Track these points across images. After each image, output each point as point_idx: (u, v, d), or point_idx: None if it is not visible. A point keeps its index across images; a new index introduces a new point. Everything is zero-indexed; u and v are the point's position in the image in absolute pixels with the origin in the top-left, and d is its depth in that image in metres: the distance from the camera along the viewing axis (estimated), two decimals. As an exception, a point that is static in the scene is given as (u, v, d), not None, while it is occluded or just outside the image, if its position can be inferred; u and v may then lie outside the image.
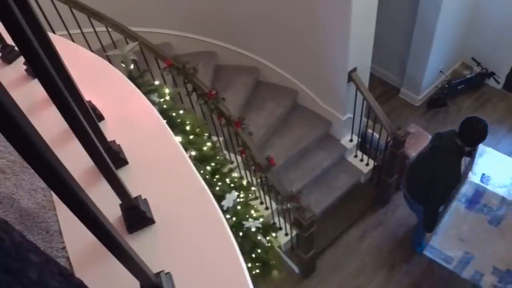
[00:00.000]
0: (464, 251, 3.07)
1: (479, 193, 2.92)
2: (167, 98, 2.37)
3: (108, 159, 0.93)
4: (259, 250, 2.42)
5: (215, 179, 2.36)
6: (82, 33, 3.17)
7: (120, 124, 1.37)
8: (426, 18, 4.13)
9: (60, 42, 1.52)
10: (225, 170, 2.50)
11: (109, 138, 1.20)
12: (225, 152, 3.60)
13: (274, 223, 3.68)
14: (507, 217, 2.87)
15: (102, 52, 2.91)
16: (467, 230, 2.99)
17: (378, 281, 3.70)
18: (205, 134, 2.59)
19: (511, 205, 2.84)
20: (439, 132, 3.21)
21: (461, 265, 3.10)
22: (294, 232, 3.57)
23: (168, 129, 1.36)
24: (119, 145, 1.25)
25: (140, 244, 1.05)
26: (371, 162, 4.19)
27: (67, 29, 3.12)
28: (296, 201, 3.01)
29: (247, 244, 2.33)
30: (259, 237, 2.42)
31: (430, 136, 3.81)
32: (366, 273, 3.75)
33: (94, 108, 1.33)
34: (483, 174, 2.98)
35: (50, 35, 0.88)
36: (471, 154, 3.12)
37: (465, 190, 2.96)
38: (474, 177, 2.95)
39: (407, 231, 3.93)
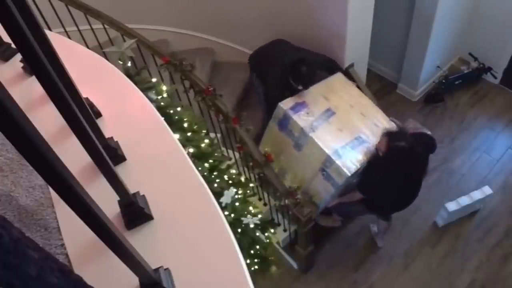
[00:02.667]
0: (279, 166, 3.42)
1: (286, 118, 3.23)
2: (165, 95, 2.37)
3: (106, 155, 0.94)
4: (257, 246, 2.43)
5: (213, 176, 2.36)
6: (79, 30, 3.16)
7: (118, 121, 1.37)
8: (423, 13, 4.13)
9: (56, 40, 1.52)
10: (223, 166, 2.50)
11: (107, 135, 1.20)
12: (223, 148, 3.61)
13: (273, 219, 3.68)
14: (305, 147, 3.19)
15: (99, 49, 2.90)
16: (280, 149, 3.25)
17: (376, 276, 3.71)
18: (203, 131, 2.59)
19: (307, 136, 3.14)
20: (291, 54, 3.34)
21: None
22: (293, 228, 3.58)
23: (166, 125, 1.37)
24: (117, 141, 1.25)
25: (139, 240, 1.06)
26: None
27: (63, 27, 3.11)
28: (293, 197, 3.02)
29: (246, 240, 2.34)
30: (257, 233, 2.43)
31: (428, 132, 3.82)
32: (365, 268, 3.76)
33: (92, 105, 1.33)
34: (297, 102, 3.27)
35: (47, 32, 0.88)
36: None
37: (276, 113, 3.29)
38: (285, 102, 3.25)
39: (405, 226, 3.95)
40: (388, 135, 2.96)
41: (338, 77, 3.50)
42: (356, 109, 3.34)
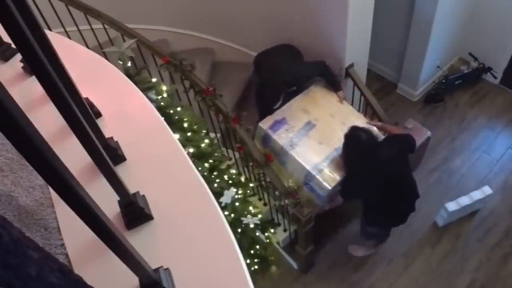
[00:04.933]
0: None
1: (267, 137, 3.36)
2: (165, 95, 2.36)
3: (106, 155, 0.94)
4: (257, 246, 2.43)
5: (213, 176, 2.36)
6: (79, 30, 3.16)
7: (118, 121, 1.37)
8: (423, 13, 4.13)
9: (57, 40, 1.52)
10: (223, 166, 2.50)
11: (107, 135, 1.20)
12: (223, 148, 3.61)
13: (273, 219, 3.68)
14: (287, 163, 3.31)
15: (99, 49, 2.90)
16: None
17: (376, 277, 3.71)
18: (203, 131, 2.59)
19: (288, 154, 3.26)
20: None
21: None
22: (293, 228, 3.57)
23: (166, 125, 1.37)
24: (117, 141, 1.25)
25: (139, 240, 1.06)
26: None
27: (63, 27, 3.11)
28: (293, 197, 3.02)
29: (246, 240, 2.33)
30: (257, 233, 2.43)
31: (428, 132, 3.82)
32: (365, 268, 3.76)
33: (92, 105, 1.33)
34: (276, 120, 3.38)
35: (47, 32, 0.88)
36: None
37: (258, 132, 3.41)
38: (264, 122, 3.38)
39: (405, 226, 3.94)
40: (355, 126, 3.04)
41: (318, 87, 3.57)
42: (337, 118, 3.43)
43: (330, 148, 3.27)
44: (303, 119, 3.38)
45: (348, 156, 3.03)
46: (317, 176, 3.14)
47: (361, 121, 3.45)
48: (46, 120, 1.18)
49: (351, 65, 3.66)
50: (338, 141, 3.26)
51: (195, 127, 2.46)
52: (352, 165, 3.03)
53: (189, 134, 2.40)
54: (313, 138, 3.31)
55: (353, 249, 3.81)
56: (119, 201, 1.09)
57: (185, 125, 2.41)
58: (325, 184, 3.13)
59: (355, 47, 3.55)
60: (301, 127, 3.35)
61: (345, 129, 3.24)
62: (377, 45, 4.12)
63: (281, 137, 3.29)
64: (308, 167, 3.17)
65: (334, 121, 3.41)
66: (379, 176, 2.90)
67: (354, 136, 2.95)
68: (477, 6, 4.53)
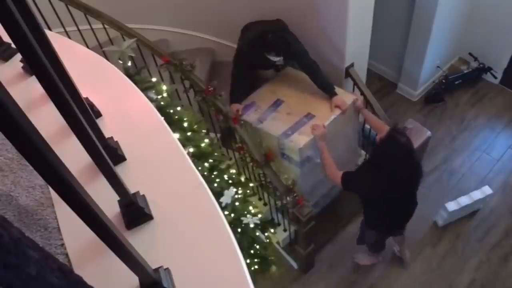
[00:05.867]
0: None
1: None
2: (165, 95, 2.36)
3: (106, 155, 0.94)
4: (257, 246, 2.43)
5: (213, 176, 2.36)
6: (79, 30, 3.15)
7: (118, 120, 1.37)
8: (423, 13, 4.13)
9: (57, 39, 1.52)
10: (223, 166, 2.50)
11: (107, 134, 1.20)
12: (223, 148, 3.61)
13: (273, 219, 3.68)
14: (263, 140, 3.30)
15: (99, 49, 2.90)
16: None
17: (376, 276, 3.71)
18: (203, 130, 2.59)
19: (258, 130, 3.31)
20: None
21: None
22: (293, 228, 3.58)
23: (166, 125, 1.37)
24: (117, 141, 1.25)
25: (139, 240, 1.06)
26: (369, 158, 4.20)
27: (63, 26, 3.11)
28: (293, 196, 3.01)
29: (246, 240, 2.33)
30: (257, 233, 2.43)
31: (428, 132, 3.82)
32: (365, 268, 3.76)
33: (92, 105, 1.33)
34: (246, 105, 3.42)
35: (47, 32, 0.88)
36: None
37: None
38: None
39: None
40: (391, 129, 2.72)
41: (287, 71, 3.64)
42: (307, 91, 3.44)
43: (300, 115, 3.30)
44: (271, 99, 3.45)
45: (384, 161, 2.67)
46: (286, 140, 3.19)
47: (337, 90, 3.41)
48: (46, 120, 1.18)
49: (351, 65, 3.66)
50: (308, 108, 3.32)
51: (195, 126, 2.46)
52: (384, 169, 2.68)
53: (189, 133, 2.40)
54: (282, 111, 3.37)
55: (358, 257, 3.76)
56: (119, 201, 1.09)
57: (185, 124, 2.41)
58: (292, 144, 3.17)
59: (355, 47, 3.55)
60: (270, 105, 3.42)
61: (317, 96, 3.29)
62: (377, 45, 4.12)
63: (250, 117, 3.35)
64: (276, 135, 3.22)
65: (304, 94, 3.43)
66: (410, 179, 2.77)
67: (393, 140, 2.60)
68: (477, 6, 4.53)
